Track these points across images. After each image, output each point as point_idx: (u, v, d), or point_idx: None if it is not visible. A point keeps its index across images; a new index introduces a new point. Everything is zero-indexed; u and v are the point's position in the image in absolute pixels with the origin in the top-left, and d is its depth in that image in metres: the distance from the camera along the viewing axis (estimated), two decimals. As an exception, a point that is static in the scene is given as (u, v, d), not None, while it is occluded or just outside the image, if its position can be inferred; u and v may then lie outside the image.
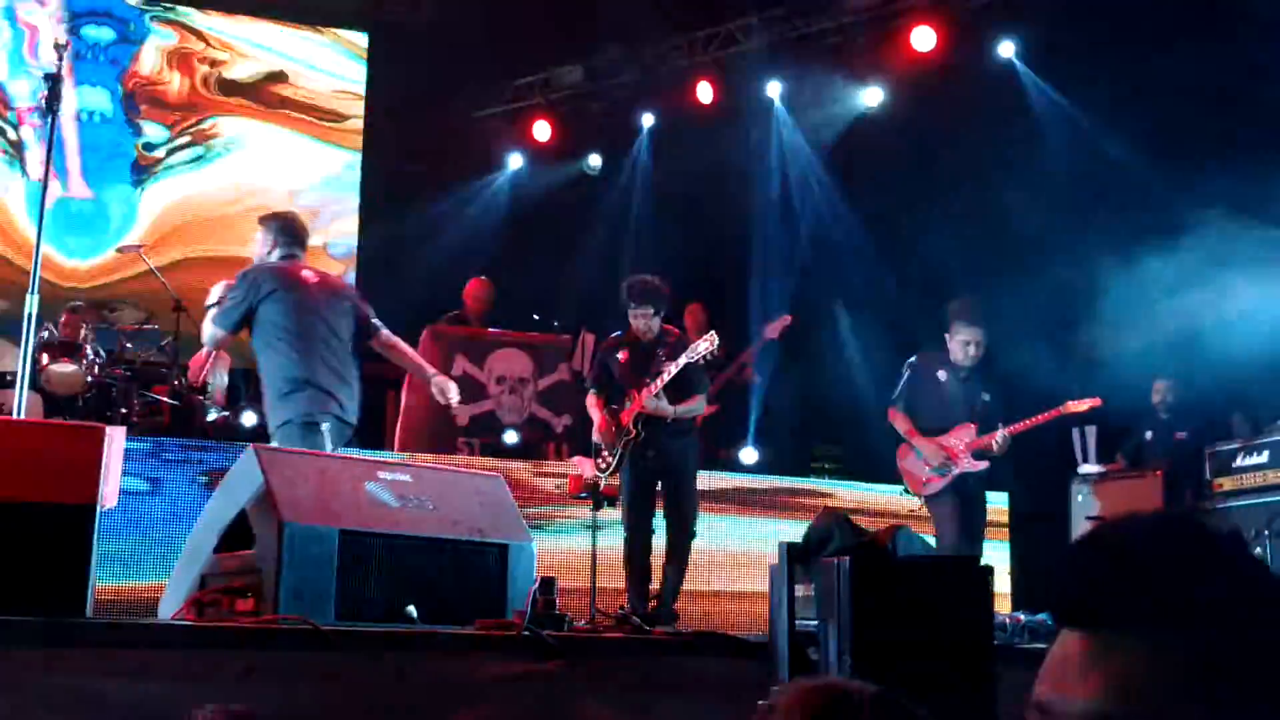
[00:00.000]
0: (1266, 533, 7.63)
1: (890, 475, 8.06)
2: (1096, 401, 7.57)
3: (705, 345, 7.00)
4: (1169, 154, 9.14)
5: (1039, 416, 7.44)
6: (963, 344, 7.44)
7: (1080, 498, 9.10)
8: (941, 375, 7.53)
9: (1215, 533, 1.18)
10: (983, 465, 7.36)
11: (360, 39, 12.96)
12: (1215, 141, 9.27)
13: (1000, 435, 7.29)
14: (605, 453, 7.03)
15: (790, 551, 4.03)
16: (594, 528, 6.99)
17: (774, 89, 11.66)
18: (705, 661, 4.20)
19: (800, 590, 4.04)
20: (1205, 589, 1.14)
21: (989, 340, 7.56)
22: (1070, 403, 7.49)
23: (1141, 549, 1.15)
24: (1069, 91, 10.46)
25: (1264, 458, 8.02)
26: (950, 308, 7.58)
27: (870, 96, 11.42)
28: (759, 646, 4.18)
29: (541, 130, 12.39)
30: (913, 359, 7.70)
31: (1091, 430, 9.68)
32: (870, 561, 3.80)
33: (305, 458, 4.81)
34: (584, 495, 7.22)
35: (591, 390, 7.34)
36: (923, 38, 10.54)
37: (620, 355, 7.21)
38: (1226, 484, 8.24)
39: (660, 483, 7.03)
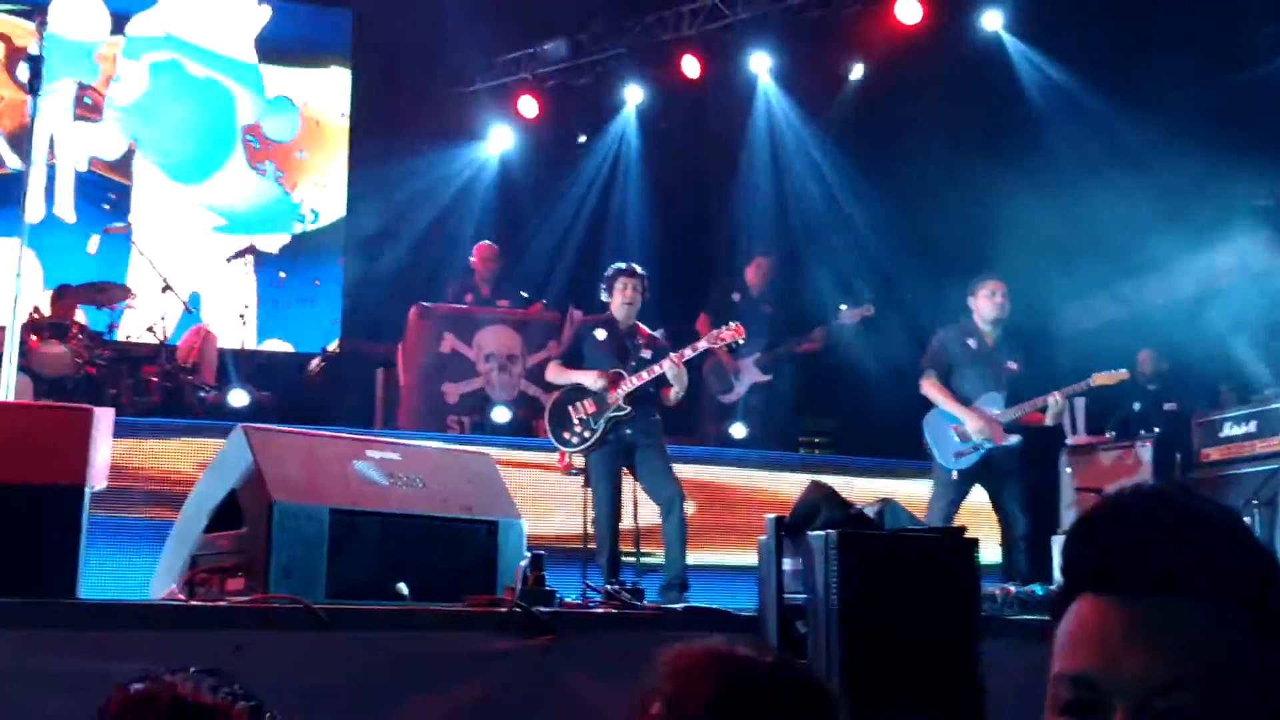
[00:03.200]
0: (1255, 502, 7.65)
1: (882, 449, 8.09)
2: (1123, 374, 7.50)
3: (730, 335, 7.18)
4: (1156, 123, 9.14)
5: (1075, 386, 7.40)
6: (989, 295, 7.43)
7: (1070, 469, 9.12)
8: (971, 343, 7.50)
9: (1208, 498, 1.20)
10: (1016, 439, 7.32)
11: (346, 16, 12.89)
12: (1207, 113, 9.28)
13: (1053, 400, 7.21)
14: (579, 427, 7.05)
15: (778, 525, 4.05)
16: (585, 504, 7.08)
17: (760, 62, 11.63)
18: (694, 635, 4.22)
19: (789, 564, 4.06)
20: (1251, 560, 1.16)
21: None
22: (1098, 375, 7.44)
23: (1183, 516, 1.15)
24: (1056, 61, 10.46)
25: (1251, 427, 8.03)
26: (973, 279, 7.58)
27: (856, 70, 11.41)
28: (749, 620, 4.20)
29: (528, 106, 12.35)
30: (941, 329, 7.67)
31: (1080, 401, 9.71)
32: (857, 535, 3.82)
33: (294, 437, 4.82)
34: (575, 472, 7.28)
35: (559, 362, 7.37)
36: (908, 9, 10.51)
37: (598, 334, 7.28)
38: (1214, 454, 8.25)
39: (636, 454, 7.06)
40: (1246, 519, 7.51)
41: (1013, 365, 7.41)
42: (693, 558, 7.10)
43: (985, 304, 7.43)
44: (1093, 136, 9.69)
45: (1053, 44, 10.41)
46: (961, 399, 7.35)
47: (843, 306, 10.01)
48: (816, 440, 10.84)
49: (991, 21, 10.78)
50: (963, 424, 7.28)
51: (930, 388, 7.43)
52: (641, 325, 7.41)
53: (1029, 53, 10.68)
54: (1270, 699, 1.13)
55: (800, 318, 10.21)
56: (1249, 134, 8.89)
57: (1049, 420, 7.24)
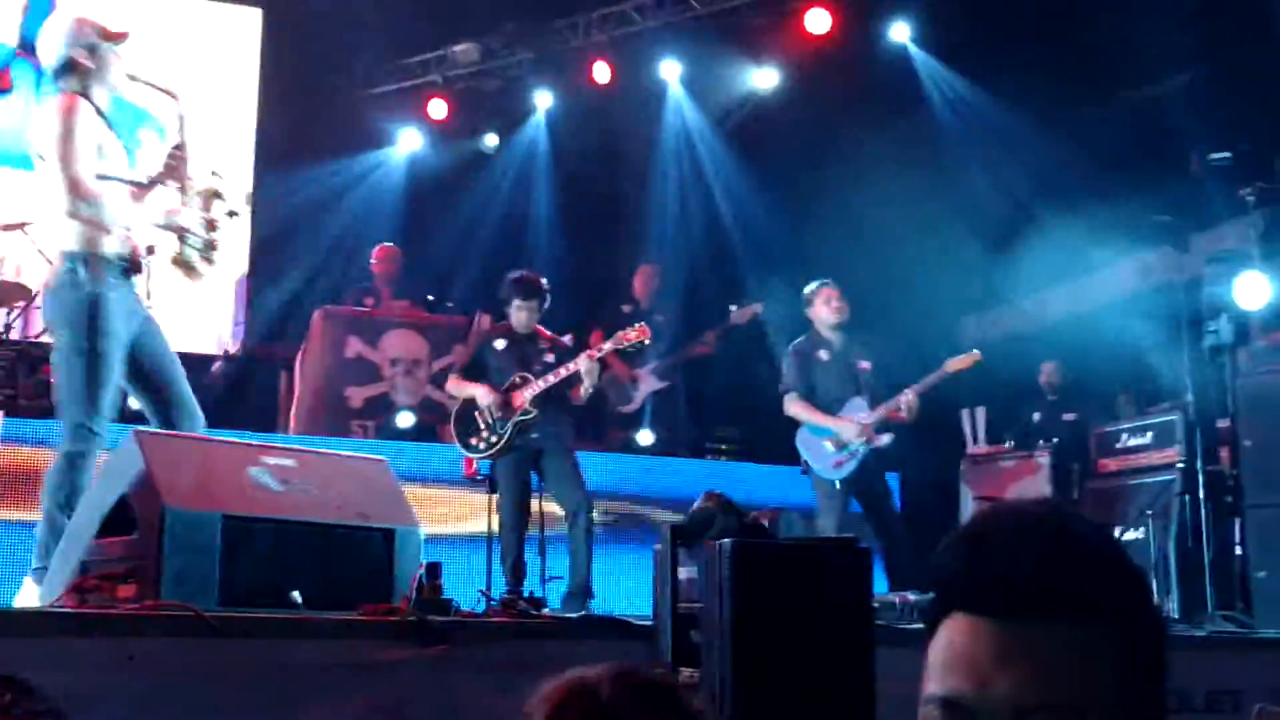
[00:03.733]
0: (1150, 512, 7.81)
1: (789, 456, 8.12)
2: (975, 355, 7.64)
3: (635, 335, 7.17)
4: (1059, 139, 9.32)
5: (928, 379, 7.51)
6: (825, 302, 7.58)
7: (969, 479, 9.25)
8: (823, 355, 7.63)
9: (1089, 520, 1.21)
10: (889, 438, 7.43)
11: (254, 14, 12.69)
12: (1108, 129, 9.47)
13: (906, 398, 7.35)
14: (485, 432, 7.02)
15: (674, 534, 4.05)
16: (490, 511, 7.05)
17: (670, 70, 11.67)
18: (591, 644, 4.21)
19: (685, 573, 4.06)
20: (1123, 584, 1.16)
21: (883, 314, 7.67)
22: (950, 361, 7.59)
23: (1056, 539, 1.15)
24: (961, 75, 10.62)
25: (1148, 439, 8.19)
26: (808, 286, 7.72)
27: (766, 78, 11.48)
28: (644, 629, 4.20)
29: (437, 108, 12.26)
30: (792, 346, 7.79)
31: (981, 411, 9.87)
32: (751, 544, 3.83)
33: (187, 442, 4.73)
34: (480, 478, 7.25)
35: (458, 374, 7.34)
36: (817, 20, 10.61)
37: (498, 344, 7.27)
38: (1111, 464, 8.41)
39: (543, 458, 7.05)
40: (1141, 530, 7.68)
41: (865, 365, 7.57)
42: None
43: (823, 310, 7.59)
44: (997, 150, 9.85)
45: (958, 58, 10.57)
46: (828, 411, 7.46)
47: (732, 308, 10.09)
48: (724, 446, 10.88)
49: (899, 34, 10.92)
50: (835, 434, 7.39)
51: (794, 407, 7.56)
52: (542, 329, 7.39)
53: (935, 66, 10.83)
54: None
55: (696, 323, 10.27)
56: (1148, 150, 9.09)
57: (906, 417, 7.37)
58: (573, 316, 9.61)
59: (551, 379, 7.05)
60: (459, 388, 7.25)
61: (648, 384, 9.97)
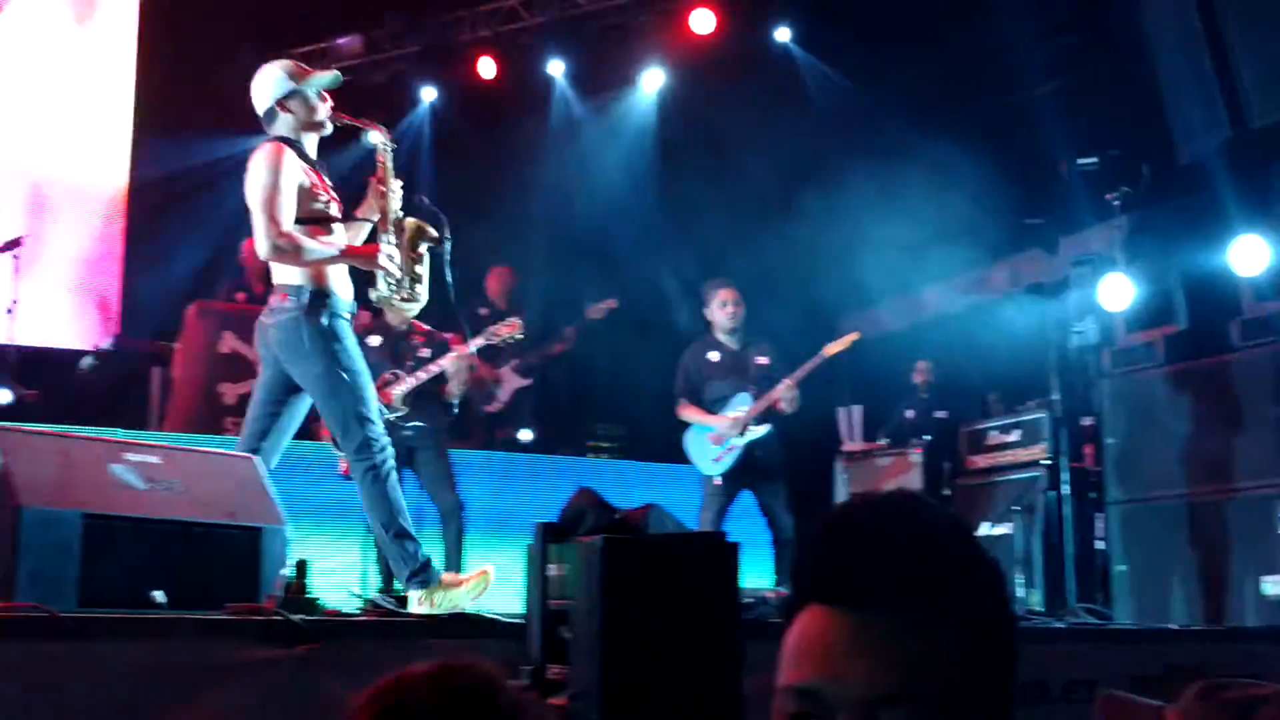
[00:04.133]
0: (1017, 508, 8.00)
1: (671, 453, 8.18)
2: (854, 335, 7.77)
3: (507, 330, 7.11)
4: (937, 141, 9.48)
5: (806, 366, 7.61)
6: (720, 305, 7.67)
7: (844, 476, 9.39)
8: (713, 356, 7.71)
9: (946, 511, 1.23)
10: (765, 428, 7.51)
11: (131, 4, 12.40)
12: (984, 132, 9.67)
13: (783, 388, 7.44)
14: None
15: (545, 530, 4.05)
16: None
17: (556, 67, 11.66)
18: (460, 642, 4.19)
19: (554, 570, 4.06)
20: (964, 570, 1.17)
21: (760, 310, 7.76)
22: (828, 346, 7.72)
23: (903, 528, 1.16)
24: (844, 75, 10.77)
25: (1015, 436, 8.40)
26: (705, 286, 7.80)
27: (651, 77, 11.53)
28: (514, 627, 4.19)
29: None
30: (683, 354, 7.87)
31: (857, 410, 10.02)
32: (621, 540, 3.84)
33: (47, 439, 4.60)
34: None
35: None
36: (702, 20, 10.69)
37: (371, 340, 7.18)
38: (980, 461, 8.61)
39: (416, 456, 6.99)
40: (1008, 525, 7.87)
41: (762, 360, 7.66)
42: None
43: (719, 314, 7.69)
44: (874, 151, 10.00)
45: (840, 60, 10.72)
46: (715, 408, 7.55)
47: (588, 304, 10.15)
48: (605, 445, 10.90)
49: (782, 35, 11.05)
50: (714, 430, 7.48)
51: (685, 411, 7.67)
52: (418, 322, 7.31)
53: (817, 66, 10.97)
54: (982, 713, 1.15)
55: (555, 321, 10.28)
56: (1019, 154, 9.30)
57: (786, 408, 7.47)
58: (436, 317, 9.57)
59: (422, 375, 6.99)
60: None
61: (511, 381, 9.95)
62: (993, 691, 1.17)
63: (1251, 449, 6.73)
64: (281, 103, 5.20)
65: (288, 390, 5.23)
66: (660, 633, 3.79)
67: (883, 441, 9.76)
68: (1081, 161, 7.80)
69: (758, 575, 7.08)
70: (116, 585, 4.35)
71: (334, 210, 5.28)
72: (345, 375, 5.04)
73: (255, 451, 5.09)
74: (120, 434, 7.13)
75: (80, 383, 10.07)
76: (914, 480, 8.87)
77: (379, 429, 5.12)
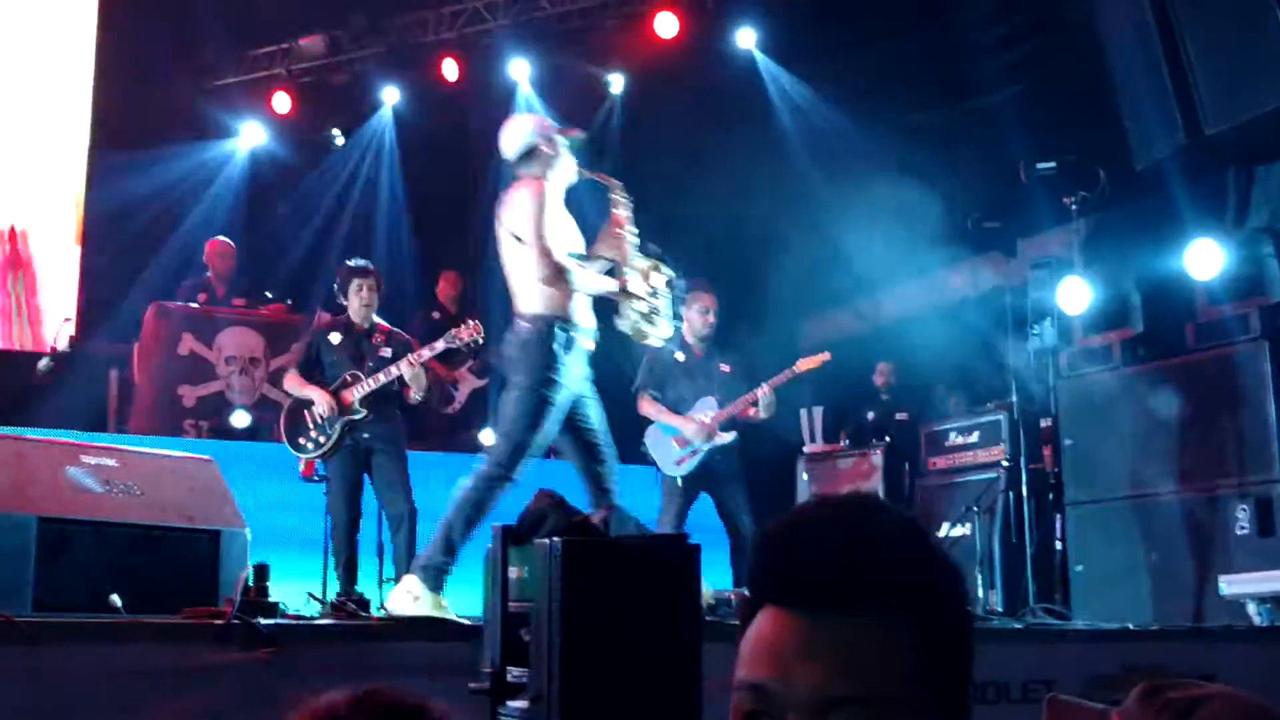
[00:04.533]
0: (975, 508, 8.06)
1: (634, 456, 8.17)
2: (825, 356, 7.78)
3: (468, 334, 7.07)
4: (896, 145, 9.54)
5: (777, 378, 7.62)
6: (701, 311, 7.66)
7: (806, 476, 9.42)
8: (680, 356, 7.70)
9: (899, 510, 1.23)
10: (731, 436, 7.53)
11: (90, 5, 12.29)
12: (942, 137, 9.74)
13: (763, 391, 7.46)
14: (314, 432, 6.92)
15: (504, 533, 4.05)
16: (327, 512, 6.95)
17: (520, 69, 11.65)
18: (419, 645, 4.19)
19: (514, 572, 4.06)
20: (921, 573, 1.17)
21: (723, 314, 7.77)
22: (801, 361, 7.73)
23: (859, 531, 1.16)
24: (804, 80, 10.81)
25: (975, 438, 8.47)
26: (687, 288, 7.78)
27: (614, 80, 11.55)
28: (474, 629, 4.19)
29: (281, 102, 12.02)
30: (649, 349, 7.84)
31: (819, 411, 10.06)
32: (581, 542, 3.84)
33: (2, 441, 4.57)
34: (318, 478, 7.13)
35: (295, 370, 7.20)
36: (665, 24, 10.71)
37: (333, 338, 7.15)
38: (940, 462, 8.67)
39: (373, 459, 6.96)
40: (968, 525, 7.93)
41: (725, 367, 7.67)
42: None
43: (697, 319, 7.67)
44: (836, 155, 10.05)
45: (802, 64, 10.76)
46: (677, 410, 7.55)
47: None
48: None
49: (745, 39, 11.08)
50: (679, 432, 7.48)
51: (646, 405, 7.64)
52: (381, 322, 7.29)
53: (780, 71, 11.01)
54: (937, 714, 1.16)
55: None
56: (979, 159, 9.37)
57: (762, 413, 7.51)
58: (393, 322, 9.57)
59: (382, 378, 6.95)
60: (295, 386, 7.10)
61: (468, 383, 9.95)
62: (948, 693, 1.17)
63: (1207, 450, 6.81)
64: (541, 145, 5.58)
65: (570, 416, 5.55)
66: (621, 635, 3.79)
67: (844, 443, 9.80)
68: (1040, 166, 7.86)
69: (717, 577, 7.10)
70: (73, 589, 4.33)
71: (578, 246, 5.66)
72: (539, 398, 5.34)
73: (606, 493, 5.42)
74: (78, 437, 7.08)
75: (37, 385, 9.97)
76: (875, 481, 8.92)
77: (525, 464, 5.39)
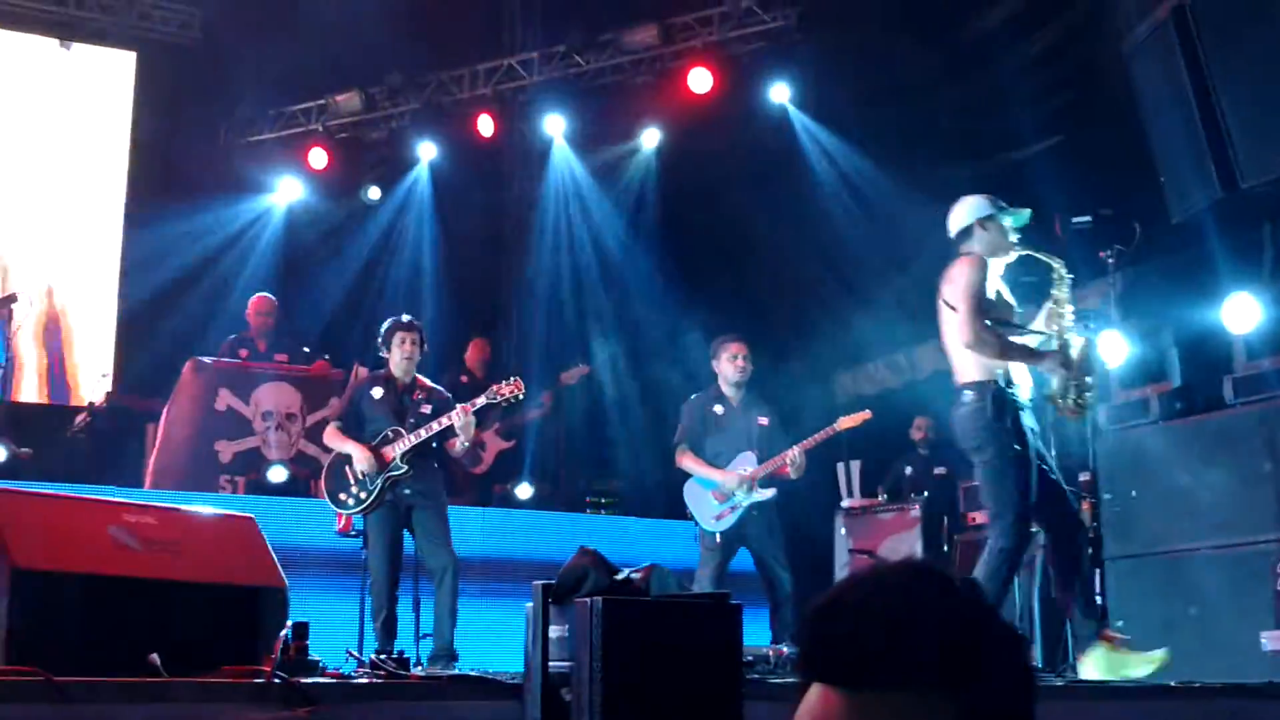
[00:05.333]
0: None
1: (666, 510, 8.16)
2: (866, 414, 7.76)
3: (509, 390, 7.13)
4: (929, 199, 9.53)
5: (817, 435, 7.59)
6: (730, 358, 7.64)
7: (843, 530, 9.37)
8: (718, 409, 7.68)
9: (958, 583, 1.22)
10: (771, 493, 7.49)
11: (128, 57, 12.49)
12: (976, 187, 9.72)
13: (794, 453, 7.43)
14: (355, 488, 6.92)
15: (545, 591, 4.04)
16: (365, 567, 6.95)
17: (555, 125, 11.74)
18: (461, 704, 4.16)
19: (556, 631, 4.04)
20: (964, 649, 1.16)
21: (759, 369, 7.76)
22: (842, 419, 7.69)
23: (900, 608, 1.16)
24: (838, 135, 10.85)
25: (1014, 492, 8.37)
26: (715, 341, 7.80)
27: (649, 136, 11.63)
28: (514, 687, 4.16)
29: (318, 158, 12.16)
30: (688, 399, 7.84)
31: (856, 465, 10.01)
32: (622, 601, 3.83)
33: (43, 498, 4.59)
34: (354, 534, 7.14)
35: (336, 425, 7.22)
36: (700, 79, 10.80)
37: (375, 393, 7.17)
38: (979, 517, 8.58)
39: (414, 515, 6.95)
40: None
41: (763, 420, 7.64)
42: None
43: (728, 367, 7.66)
44: (870, 208, 10.06)
45: (835, 119, 10.80)
46: (715, 464, 7.51)
47: (562, 372, 10.23)
48: (604, 501, 10.88)
49: (779, 95, 11.13)
50: (719, 487, 7.45)
51: (685, 459, 7.62)
52: (421, 378, 7.31)
53: (813, 126, 11.05)
54: None
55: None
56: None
57: (793, 474, 7.47)
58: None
59: (424, 433, 6.97)
60: (336, 441, 7.11)
61: (495, 444, 9.98)
62: None
63: (1246, 504, 6.73)
64: (981, 223, 5.94)
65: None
66: (661, 695, 3.77)
67: (881, 498, 9.74)
68: (1075, 220, 7.84)
69: (756, 633, 7.05)
70: (113, 648, 4.32)
71: (1015, 319, 6.01)
72: (1010, 467, 5.65)
73: (1061, 538, 5.92)
74: (114, 492, 7.11)
75: (74, 440, 10.05)
76: (913, 536, 8.85)
77: (1028, 520, 5.74)
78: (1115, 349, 7.85)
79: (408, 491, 6.94)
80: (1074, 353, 5.87)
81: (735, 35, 10.93)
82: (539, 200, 11.83)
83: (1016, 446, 5.67)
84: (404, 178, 12.30)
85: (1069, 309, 5.95)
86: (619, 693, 3.75)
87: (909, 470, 9.96)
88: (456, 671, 4.65)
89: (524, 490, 10.04)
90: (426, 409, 7.13)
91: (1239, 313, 7.15)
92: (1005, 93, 8.98)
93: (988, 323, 5.73)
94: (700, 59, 10.87)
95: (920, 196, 9.53)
